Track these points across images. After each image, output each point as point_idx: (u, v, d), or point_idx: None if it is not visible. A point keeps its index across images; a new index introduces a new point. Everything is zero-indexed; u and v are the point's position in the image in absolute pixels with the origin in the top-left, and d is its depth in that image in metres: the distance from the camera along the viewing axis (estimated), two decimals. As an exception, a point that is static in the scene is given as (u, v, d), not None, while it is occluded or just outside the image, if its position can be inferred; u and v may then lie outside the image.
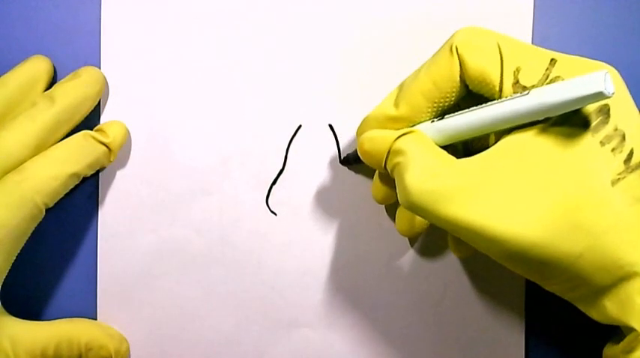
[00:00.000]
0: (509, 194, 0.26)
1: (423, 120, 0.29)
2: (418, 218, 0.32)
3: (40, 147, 0.32)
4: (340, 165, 0.35)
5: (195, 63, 0.35)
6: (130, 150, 0.35)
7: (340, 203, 0.35)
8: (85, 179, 0.33)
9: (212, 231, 0.35)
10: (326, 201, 0.35)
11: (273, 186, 0.35)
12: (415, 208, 0.27)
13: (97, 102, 0.34)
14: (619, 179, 0.26)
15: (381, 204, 0.33)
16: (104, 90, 0.34)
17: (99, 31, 0.35)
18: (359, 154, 0.30)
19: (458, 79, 0.28)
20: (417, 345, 0.35)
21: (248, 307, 0.36)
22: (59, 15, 0.35)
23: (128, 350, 0.35)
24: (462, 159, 0.27)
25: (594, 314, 0.27)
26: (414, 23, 0.34)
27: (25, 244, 0.31)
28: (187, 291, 0.36)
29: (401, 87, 0.30)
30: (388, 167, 0.29)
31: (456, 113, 0.28)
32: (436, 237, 0.35)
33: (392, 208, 0.35)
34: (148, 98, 0.35)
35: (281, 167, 0.35)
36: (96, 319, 0.35)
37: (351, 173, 0.35)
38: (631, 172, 0.26)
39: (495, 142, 0.28)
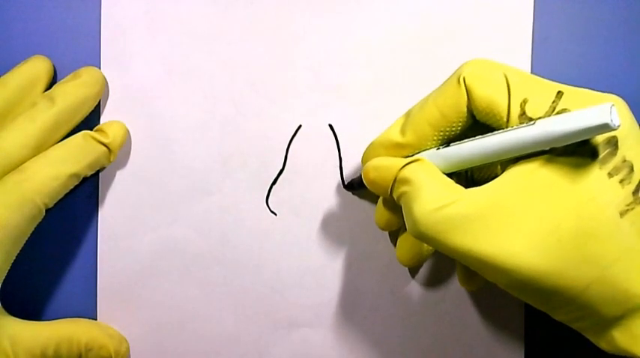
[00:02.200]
0: (518, 224, 0.26)
1: (428, 147, 0.30)
2: (419, 250, 0.32)
3: (40, 148, 0.32)
4: (344, 187, 0.35)
5: (195, 63, 0.35)
6: (130, 150, 0.35)
7: (340, 203, 0.35)
8: (85, 179, 0.33)
9: (212, 231, 0.35)
10: (326, 200, 0.35)
11: (273, 186, 0.35)
12: (424, 238, 0.27)
13: (97, 103, 0.34)
14: (627, 210, 0.26)
15: (384, 230, 0.33)
16: (104, 90, 0.34)
17: (99, 31, 0.35)
18: (364, 182, 0.30)
19: (465, 109, 0.29)
20: (416, 346, 0.35)
21: (248, 307, 0.36)
22: (59, 15, 0.35)
23: (128, 350, 0.35)
24: (469, 188, 0.27)
25: (603, 344, 0.27)
26: (413, 24, 0.34)
27: (25, 244, 0.31)
28: (187, 291, 0.36)
29: (408, 114, 0.31)
30: (394, 195, 0.29)
31: (462, 141, 0.28)
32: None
33: (395, 234, 0.35)
34: (148, 98, 0.35)
35: (281, 167, 0.35)
36: (96, 319, 0.35)
37: (351, 173, 0.35)
38: None
39: (501, 172, 0.28)
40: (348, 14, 0.34)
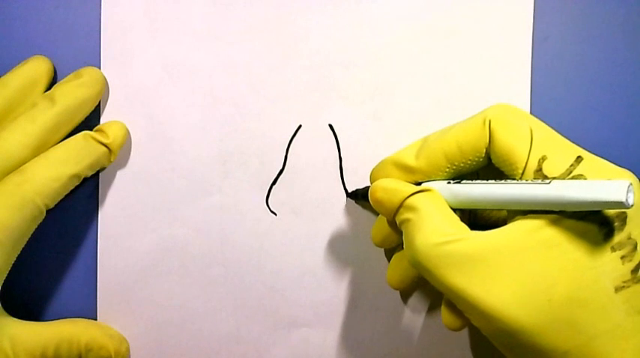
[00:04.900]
0: (514, 276, 0.26)
1: (438, 178, 0.30)
2: (412, 274, 0.32)
3: (40, 148, 0.32)
4: (347, 196, 0.35)
5: (195, 63, 0.35)
6: (130, 150, 0.35)
7: (340, 203, 0.35)
8: (85, 179, 0.33)
9: (212, 231, 0.35)
10: (326, 200, 0.35)
11: (273, 186, 0.35)
12: (422, 268, 0.28)
13: (97, 103, 0.34)
14: (623, 287, 0.26)
15: (379, 246, 0.33)
16: (104, 90, 0.34)
17: (99, 31, 0.35)
18: (369, 199, 0.31)
19: (483, 150, 0.29)
20: (417, 345, 0.35)
21: (248, 307, 0.36)
22: (59, 15, 0.35)
23: (128, 350, 0.35)
24: (475, 231, 0.27)
25: None
26: (413, 23, 0.34)
27: (25, 244, 0.31)
28: (187, 291, 0.36)
29: (425, 140, 0.31)
30: (397, 220, 0.29)
31: (474, 181, 0.29)
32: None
33: (389, 252, 0.35)
34: (148, 98, 0.35)
35: (281, 167, 0.35)
36: (96, 319, 0.35)
37: (351, 173, 0.35)
38: (637, 283, 0.26)
39: (507, 216, 0.28)
40: (348, 14, 0.34)
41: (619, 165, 0.28)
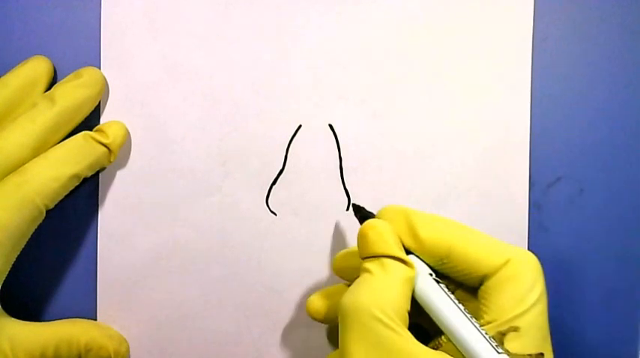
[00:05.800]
0: None
1: (428, 261, 0.29)
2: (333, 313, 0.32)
3: (40, 149, 0.32)
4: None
5: (196, 63, 0.35)
6: (130, 150, 0.35)
7: (340, 203, 0.35)
8: (85, 179, 0.33)
9: (212, 231, 0.35)
10: (326, 200, 0.35)
11: (273, 186, 0.35)
12: (343, 320, 0.27)
13: (97, 103, 0.34)
14: None
15: (336, 271, 0.33)
16: (104, 90, 0.34)
17: (99, 31, 0.35)
18: (360, 228, 0.29)
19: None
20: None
21: (248, 307, 0.36)
22: (59, 15, 0.35)
23: (128, 350, 0.35)
24: (413, 337, 0.26)
25: None
26: (413, 24, 0.34)
27: (25, 244, 0.31)
28: (187, 291, 0.36)
29: (446, 223, 0.30)
30: (364, 264, 0.29)
31: (448, 291, 0.28)
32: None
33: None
34: (147, 98, 0.35)
35: (281, 167, 0.35)
36: (96, 319, 0.35)
37: (351, 173, 0.35)
38: None
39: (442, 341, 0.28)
40: (348, 14, 0.34)
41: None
